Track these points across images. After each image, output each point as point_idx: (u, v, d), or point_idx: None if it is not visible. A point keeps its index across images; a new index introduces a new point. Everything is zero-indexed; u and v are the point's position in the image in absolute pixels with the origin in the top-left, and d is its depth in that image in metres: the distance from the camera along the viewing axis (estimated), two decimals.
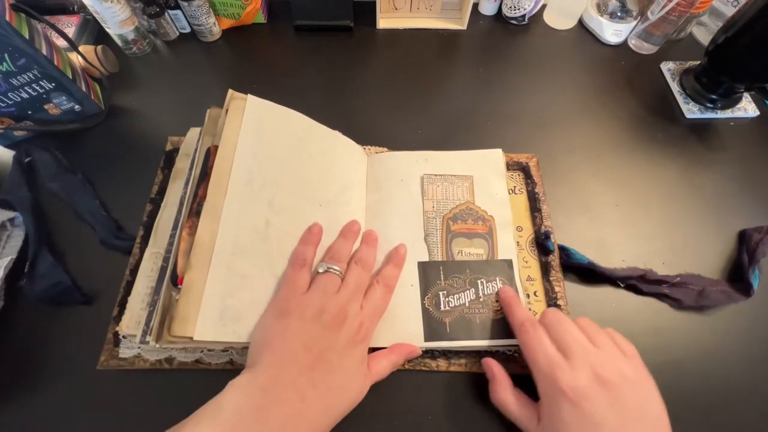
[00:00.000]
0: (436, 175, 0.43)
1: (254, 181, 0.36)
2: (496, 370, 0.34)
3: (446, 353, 0.37)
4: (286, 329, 0.31)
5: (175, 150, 0.47)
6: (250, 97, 0.39)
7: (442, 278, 0.38)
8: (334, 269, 0.34)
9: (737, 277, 0.41)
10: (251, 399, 0.27)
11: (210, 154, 0.37)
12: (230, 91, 0.39)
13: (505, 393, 0.33)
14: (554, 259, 0.41)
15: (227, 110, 0.38)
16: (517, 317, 0.34)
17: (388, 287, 0.37)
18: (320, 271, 0.34)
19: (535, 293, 0.39)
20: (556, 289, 0.39)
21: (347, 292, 0.34)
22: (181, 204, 0.36)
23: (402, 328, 0.36)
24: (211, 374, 0.36)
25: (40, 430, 0.34)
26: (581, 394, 0.28)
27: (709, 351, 0.38)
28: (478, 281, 0.38)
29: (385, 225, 0.41)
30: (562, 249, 0.41)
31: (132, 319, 0.36)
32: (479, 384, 0.36)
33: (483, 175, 0.43)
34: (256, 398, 0.27)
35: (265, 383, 0.28)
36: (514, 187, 0.45)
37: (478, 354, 0.37)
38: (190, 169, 0.38)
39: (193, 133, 0.46)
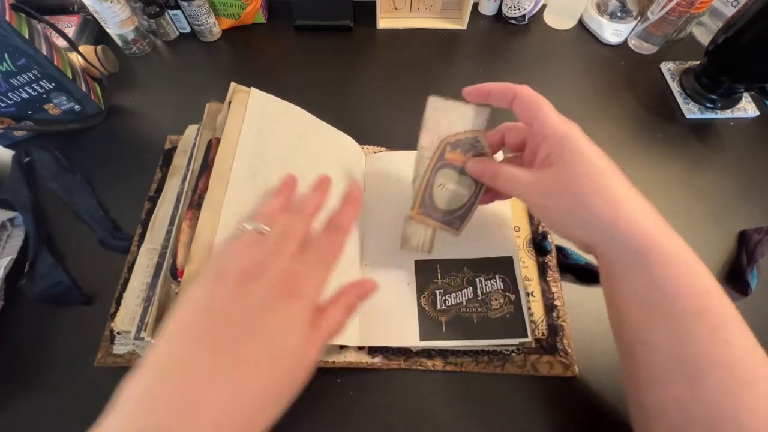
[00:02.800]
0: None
1: (256, 175, 0.36)
2: (485, 164, 0.33)
3: (443, 353, 0.37)
4: (184, 298, 0.25)
5: (174, 149, 0.47)
6: (254, 90, 0.39)
7: (439, 276, 0.38)
8: (261, 228, 0.28)
9: (736, 277, 0.41)
10: (139, 385, 0.22)
11: (211, 147, 0.36)
12: (233, 83, 0.39)
13: (507, 168, 0.31)
14: (551, 260, 0.41)
15: (230, 102, 0.38)
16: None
17: (339, 229, 0.30)
18: (245, 229, 0.28)
19: (532, 293, 0.39)
20: (553, 289, 0.39)
21: (267, 243, 0.27)
22: (178, 200, 0.36)
23: (397, 327, 0.36)
24: None
25: (39, 429, 0.34)
26: (582, 134, 0.28)
27: None
28: (477, 279, 0.38)
29: (381, 224, 0.41)
30: (560, 249, 0.41)
31: (127, 316, 0.36)
32: (476, 384, 0.36)
33: None
34: (143, 382, 0.22)
35: (151, 363, 0.22)
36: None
37: (475, 354, 0.36)
38: (188, 163, 0.38)
39: (191, 130, 0.46)
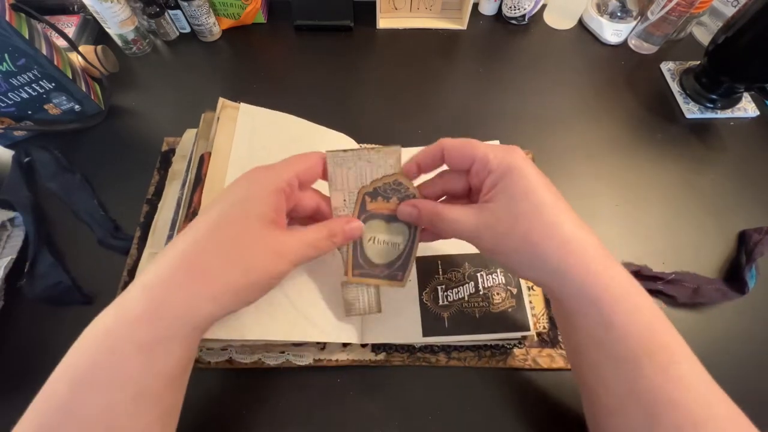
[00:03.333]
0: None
1: None
2: (425, 206, 0.29)
3: (446, 348, 0.37)
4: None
5: (171, 150, 0.47)
6: (243, 105, 0.39)
7: (440, 273, 0.38)
8: None
9: (734, 276, 0.41)
10: (158, 264, 0.25)
11: (204, 161, 0.37)
12: (221, 99, 0.39)
13: (452, 211, 0.28)
14: None
15: (218, 119, 0.38)
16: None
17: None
18: None
19: (532, 287, 0.39)
20: None
21: None
22: (178, 206, 0.36)
23: (399, 323, 0.36)
24: (210, 373, 0.36)
25: None
26: (528, 163, 0.27)
27: (704, 349, 0.38)
28: (478, 274, 0.38)
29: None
30: None
31: None
32: (480, 379, 0.36)
33: None
34: (162, 262, 0.25)
35: (167, 252, 0.25)
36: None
37: (478, 348, 0.37)
38: (186, 171, 0.38)
39: (190, 134, 0.46)
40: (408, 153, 0.45)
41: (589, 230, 0.26)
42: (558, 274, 0.25)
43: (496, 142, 0.44)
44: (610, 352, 0.25)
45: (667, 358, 0.24)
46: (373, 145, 0.30)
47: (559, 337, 0.37)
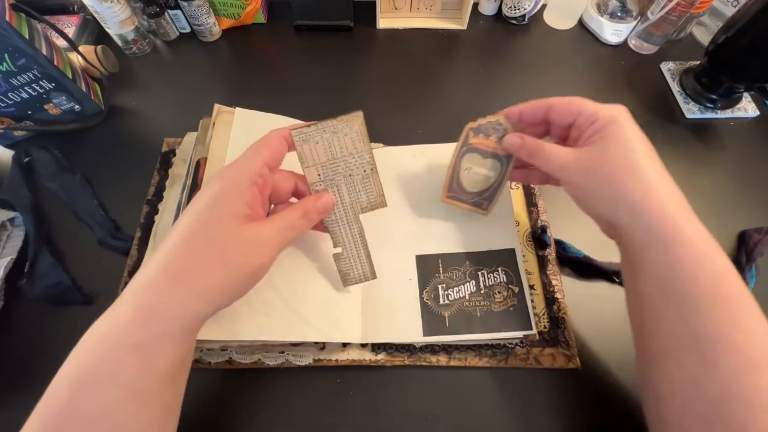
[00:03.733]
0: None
1: None
2: (527, 139, 0.33)
3: (447, 348, 0.37)
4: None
5: (171, 151, 0.47)
6: (238, 110, 0.40)
7: (441, 271, 0.38)
8: None
9: None
10: (146, 268, 0.26)
11: (200, 167, 0.37)
12: (216, 105, 0.39)
13: (550, 145, 0.31)
14: (551, 253, 0.41)
15: (214, 124, 0.38)
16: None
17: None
18: None
19: (533, 287, 0.39)
20: (554, 282, 0.40)
21: None
22: (179, 209, 0.36)
23: (399, 323, 0.36)
24: (210, 373, 0.36)
25: None
26: (630, 120, 0.30)
27: None
28: (479, 273, 0.38)
29: (381, 219, 0.41)
30: (558, 243, 0.41)
31: None
32: (481, 379, 0.36)
33: None
34: (151, 266, 0.26)
35: (157, 257, 0.26)
36: (510, 182, 0.45)
37: (479, 348, 0.37)
38: (186, 175, 0.39)
39: (190, 137, 0.47)
40: (409, 151, 0.46)
41: (671, 182, 0.28)
42: (633, 211, 0.27)
43: None
44: (673, 292, 0.26)
45: (732, 306, 0.24)
46: (333, 117, 0.30)
47: (560, 337, 0.37)
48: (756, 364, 0.23)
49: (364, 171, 0.32)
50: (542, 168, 0.32)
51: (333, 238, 0.34)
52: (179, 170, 0.44)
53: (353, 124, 0.30)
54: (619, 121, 0.29)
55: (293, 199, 0.33)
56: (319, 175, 0.31)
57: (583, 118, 0.30)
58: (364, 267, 0.35)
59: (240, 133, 0.39)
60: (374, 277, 0.35)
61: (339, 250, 0.34)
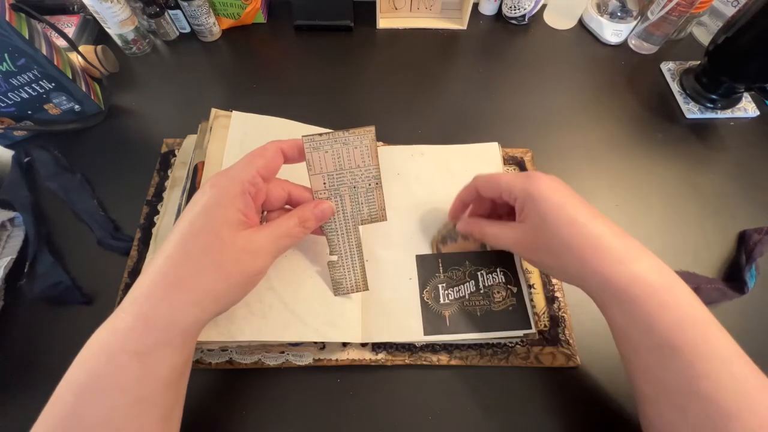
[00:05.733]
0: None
1: None
2: (473, 226, 0.35)
3: (447, 347, 0.37)
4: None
5: (171, 152, 0.47)
6: (235, 113, 0.40)
7: (441, 271, 0.38)
8: None
9: (734, 276, 0.41)
10: (145, 276, 0.26)
11: (198, 170, 0.37)
12: (213, 110, 0.40)
13: (493, 228, 0.33)
14: None
15: (211, 128, 0.38)
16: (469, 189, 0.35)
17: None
18: None
19: (533, 286, 0.39)
20: (553, 281, 0.40)
21: None
22: (179, 213, 0.36)
23: (400, 322, 0.36)
24: (210, 373, 0.36)
25: None
26: (556, 184, 0.30)
27: None
28: (478, 273, 0.38)
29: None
30: None
31: None
32: (481, 378, 0.36)
33: (479, 168, 0.43)
34: (147, 277, 0.26)
35: (152, 267, 0.27)
36: None
37: (480, 347, 0.37)
38: (186, 179, 0.39)
39: (190, 140, 0.47)
40: (408, 151, 0.46)
41: (607, 234, 0.28)
42: (581, 277, 0.29)
43: (495, 144, 0.45)
44: (638, 345, 0.27)
45: (694, 355, 0.24)
46: (347, 129, 0.31)
47: (560, 336, 0.37)
48: (727, 413, 0.23)
49: (369, 185, 0.32)
50: (498, 248, 0.35)
51: (330, 246, 0.34)
52: (179, 173, 0.44)
53: (364, 138, 0.31)
54: (532, 196, 0.30)
55: (287, 207, 0.33)
56: (324, 183, 0.31)
57: (506, 196, 0.32)
58: (357, 278, 0.35)
59: (237, 137, 0.39)
60: (366, 288, 0.36)
61: (334, 258, 0.34)
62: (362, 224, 0.33)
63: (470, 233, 0.36)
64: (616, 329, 0.28)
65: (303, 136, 0.30)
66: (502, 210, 0.36)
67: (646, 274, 0.26)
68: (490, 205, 0.36)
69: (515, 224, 0.32)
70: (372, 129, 0.30)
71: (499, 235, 0.33)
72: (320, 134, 0.30)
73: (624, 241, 0.28)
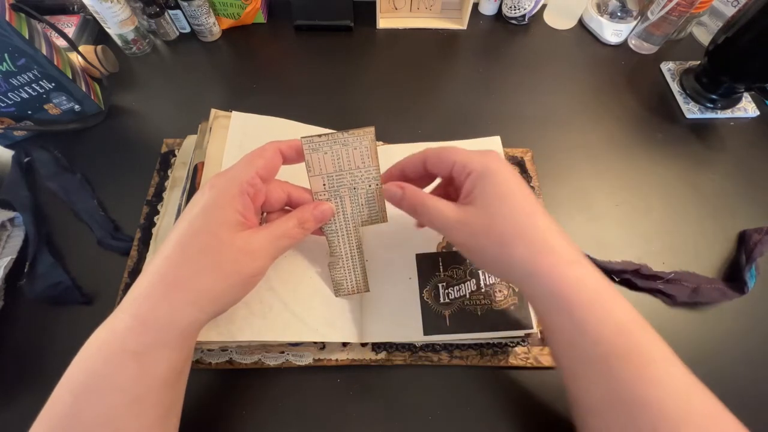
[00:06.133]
0: None
1: None
2: (413, 196, 0.30)
3: (448, 347, 0.37)
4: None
5: (171, 152, 0.47)
6: (235, 114, 0.40)
7: (441, 270, 0.38)
8: None
9: (734, 276, 0.41)
10: (143, 278, 0.27)
11: (198, 171, 0.37)
12: (213, 110, 0.40)
13: (436, 202, 0.29)
14: None
15: (211, 128, 0.38)
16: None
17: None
18: None
19: None
20: None
21: None
22: (179, 213, 0.36)
23: (400, 322, 0.36)
24: (210, 373, 0.36)
25: None
26: (504, 167, 0.28)
27: (704, 348, 0.38)
28: (479, 271, 0.38)
29: None
30: None
31: None
32: (481, 378, 0.36)
33: None
34: (145, 278, 0.26)
35: (150, 268, 0.27)
36: None
37: (480, 347, 0.37)
38: (186, 179, 0.39)
39: (190, 140, 0.47)
40: (408, 149, 0.46)
41: (559, 232, 0.27)
42: (527, 278, 0.26)
43: (497, 138, 0.44)
44: (583, 355, 0.25)
45: (641, 360, 0.24)
46: (347, 129, 0.30)
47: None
48: (676, 419, 0.22)
49: (369, 186, 0.32)
50: (427, 225, 0.31)
51: (330, 247, 0.34)
52: (179, 173, 0.44)
53: (363, 139, 0.30)
54: (492, 171, 0.27)
55: (287, 208, 0.33)
56: (324, 184, 0.31)
57: (457, 170, 0.29)
58: (358, 279, 0.35)
59: (236, 137, 0.39)
60: (367, 290, 0.36)
61: (335, 259, 0.34)
62: (362, 226, 0.33)
63: (402, 197, 0.30)
64: (562, 339, 0.26)
65: (302, 137, 0.30)
66: (439, 193, 0.33)
67: (588, 278, 0.26)
68: (427, 183, 0.33)
69: (460, 204, 0.29)
70: (371, 130, 0.30)
71: (441, 209, 0.28)
72: (319, 135, 0.30)
73: (568, 241, 0.27)
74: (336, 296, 0.36)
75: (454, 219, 0.28)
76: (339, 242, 0.34)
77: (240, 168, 0.29)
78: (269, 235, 0.28)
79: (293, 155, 0.31)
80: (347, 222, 0.33)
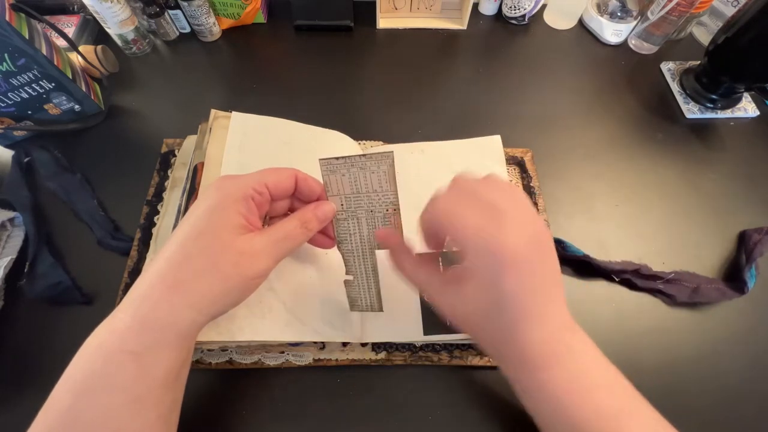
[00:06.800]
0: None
1: None
2: (391, 239, 0.30)
3: (448, 347, 0.37)
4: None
5: (171, 152, 0.47)
6: (235, 114, 0.40)
7: (441, 269, 0.38)
8: None
9: (734, 275, 0.41)
10: (143, 279, 0.26)
11: (197, 171, 0.37)
12: (213, 111, 0.40)
13: (409, 260, 0.30)
14: None
15: (210, 129, 0.38)
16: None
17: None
18: None
19: None
20: None
21: None
22: (179, 213, 0.36)
23: (399, 321, 0.36)
24: (210, 373, 0.36)
25: None
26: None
27: (703, 348, 0.38)
28: None
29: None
30: (558, 241, 0.41)
31: None
32: (480, 378, 0.36)
33: (482, 163, 0.43)
34: (146, 279, 0.26)
35: (151, 269, 0.27)
36: (510, 181, 0.45)
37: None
38: (186, 180, 0.39)
39: (190, 141, 0.47)
40: (408, 148, 0.45)
41: (558, 311, 0.27)
42: (515, 370, 0.27)
43: (497, 137, 0.44)
44: (554, 419, 0.26)
45: (609, 423, 0.24)
46: (365, 152, 0.30)
47: None
48: None
49: (386, 210, 0.31)
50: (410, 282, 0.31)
51: (346, 266, 0.34)
52: (180, 174, 0.44)
53: (382, 164, 0.30)
54: (493, 251, 0.25)
55: (289, 212, 0.33)
56: (342, 204, 0.31)
57: (451, 238, 0.28)
58: (372, 300, 0.35)
59: (236, 137, 0.39)
60: (381, 310, 0.35)
61: (350, 277, 0.34)
62: (378, 249, 0.33)
63: (394, 265, 0.31)
64: (539, 417, 0.27)
65: (320, 158, 0.30)
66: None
67: (579, 361, 0.26)
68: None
69: (452, 277, 0.28)
70: (391, 154, 0.29)
71: (433, 285, 0.29)
72: (337, 158, 0.30)
73: (551, 336, 0.26)
74: (351, 310, 0.35)
75: (459, 309, 0.29)
76: (354, 262, 0.33)
77: (250, 175, 0.29)
78: (271, 237, 0.28)
79: (304, 188, 0.30)
80: (363, 243, 0.32)
